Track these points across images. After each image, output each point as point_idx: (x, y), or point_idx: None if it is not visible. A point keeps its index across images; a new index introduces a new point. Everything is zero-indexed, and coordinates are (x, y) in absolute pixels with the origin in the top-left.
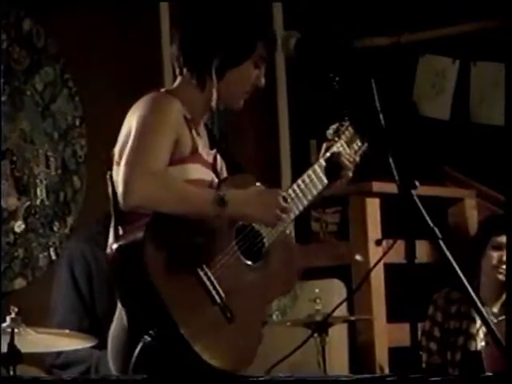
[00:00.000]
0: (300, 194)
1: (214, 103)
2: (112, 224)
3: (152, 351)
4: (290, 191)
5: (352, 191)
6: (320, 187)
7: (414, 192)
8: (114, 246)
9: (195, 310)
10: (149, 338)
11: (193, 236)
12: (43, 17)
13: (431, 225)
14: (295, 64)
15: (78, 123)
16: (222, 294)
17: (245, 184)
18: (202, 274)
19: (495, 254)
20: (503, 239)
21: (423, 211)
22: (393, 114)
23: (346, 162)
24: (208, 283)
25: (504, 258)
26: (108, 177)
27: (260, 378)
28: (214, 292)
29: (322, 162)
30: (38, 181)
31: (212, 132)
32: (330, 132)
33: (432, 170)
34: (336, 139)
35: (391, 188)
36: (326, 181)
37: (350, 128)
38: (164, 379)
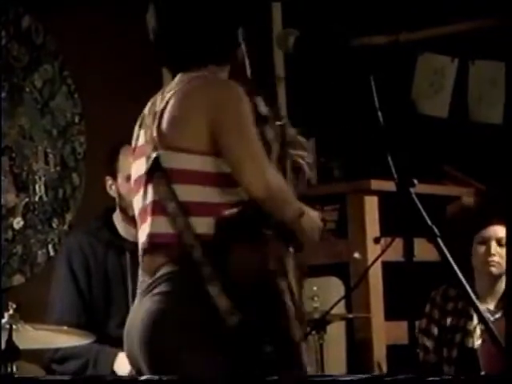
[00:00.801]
0: None
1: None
2: (161, 214)
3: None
4: None
5: (350, 189)
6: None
7: (412, 190)
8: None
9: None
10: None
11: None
12: (42, 14)
13: (429, 223)
14: (294, 62)
15: (77, 120)
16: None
17: None
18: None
19: (482, 249)
20: (486, 233)
21: (421, 209)
22: (391, 113)
23: (297, 161)
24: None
25: (492, 250)
26: (152, 160)
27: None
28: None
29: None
30: (36, 177)
31: None
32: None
33: (430, 168)
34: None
35: (389, 186)
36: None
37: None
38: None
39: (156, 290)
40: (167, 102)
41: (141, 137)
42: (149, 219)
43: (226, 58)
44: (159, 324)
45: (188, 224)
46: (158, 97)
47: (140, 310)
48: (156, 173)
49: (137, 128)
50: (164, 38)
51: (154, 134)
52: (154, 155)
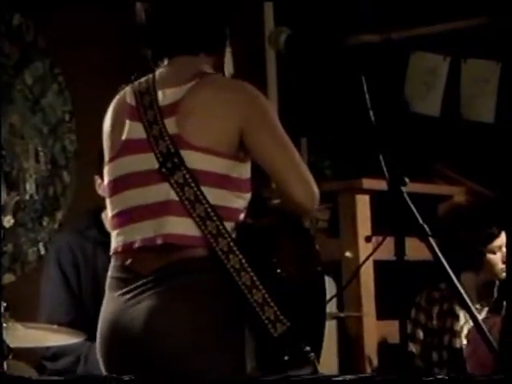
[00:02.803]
0: None
1: (230, 70)
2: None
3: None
4: None
5: (342, 188)
6: None
7: (403, 189)
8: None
9: None
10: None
11: None
12: (33, 12)
13: (421, 222)
14: (285, 61)
15: (67, 118)
16: None
17: None
18: None
19: (495, 257)
20: (499, 241)
21: (413, 208)
22: (383, 111)
23: None
24: None
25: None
26: (174, 158)
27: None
28: None
29: None
30: (27, 175)
31: None
32: None
33: (422, 167)
34: None
35: (381, 185)
36: None
37: None
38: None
39: (162, 288)
40: (185, 97)
41: (135, 130)
42: (165, 218)
43: (216, 46)
44: (173, 321)
45: (223, 229)
46: (148, 87)
47: (140, 306)
48: (178, 172)
49: (120, 118)
50: (159, 18)
51: (171, 131)
52: (173, 153)
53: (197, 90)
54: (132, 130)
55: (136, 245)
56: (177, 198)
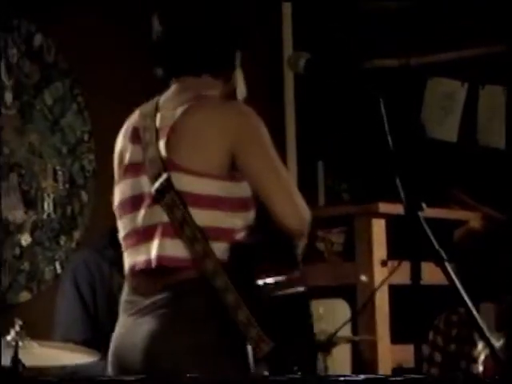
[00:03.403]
0: None
1: (243, 94)
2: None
3: None
4: None
5: (358, 211)
6: None
7: (420, 214)
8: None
9: None
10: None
11: None
12: (54, 32)
13: (437, 246)
14: (304, 84)
15: (86, 138)
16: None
17: None
18: None
19: None
20: None
21: (429, 233)
22: (401, 136)
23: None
24: None
25: None
26: (164, 180)
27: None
28: None
29: None
30: (45, 195)
31: None
32: None
33: (439, 192)
34: None
35: (397, 209)
36: None
37: None
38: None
39: (161, 311)
40: (177, 120)
41: (137, 153)
42: (157, 241)
43: (221, 69)
44: (173, 344)
45: (209, 250)
46: (152, 109)
47: (140, 330)
48: (167, 194)
49: (125, 142)
50: (166, 40)
51: (163, 153)
52: (165, 176)
53: (190, 113)
54: (132, 152)
55: (137, 267)
56: (167, 220)
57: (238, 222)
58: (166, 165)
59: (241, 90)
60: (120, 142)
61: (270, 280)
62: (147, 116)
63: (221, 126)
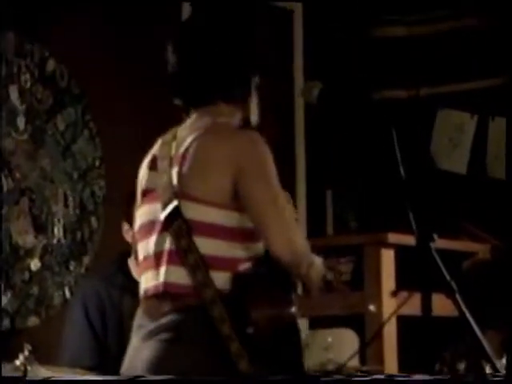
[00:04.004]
0: None
1: (255, 119)
2: (177, 264)
3: None
4: None
5: (367, 241)
6: None
7: (432, 245)
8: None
9: None
10: None
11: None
12: (67, 58)
13: (448, 278)
14: (315, 114)
15: (97, 164)
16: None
17: None
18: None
19: None
20: None
21: (440, 264)
22: (410, 167)
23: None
24: None
25: None
26: (172, 208)
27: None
28: None
29: None
30: (55, 220)
31: None
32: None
33: (448, 223)
34: None
35: (406, 239)
36: None
37: None
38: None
39: (162, 337)
40: (188, 148)
41: (153, 180)
42: (164, 267)
43: (236, 97)
44: (168, 369)
45: (209, 279)
46: (171, 138)
47: (142, 353)
48: (175, 222)
49: (146, 170)
50: (179, 71)
51: (174, 181)
52: (174, 203)
53: (199, 141)
54: (149, 179)
55: (149, 293)
56: (174, 248)
57: (242, 252)
58: (176, 192)
59: (254, 116)
60: (142, 169)
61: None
62: (165, 144)
63: (225, 154)
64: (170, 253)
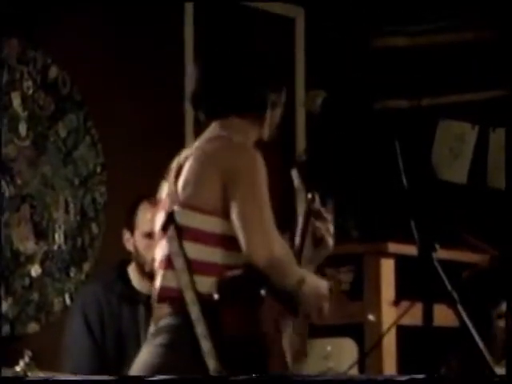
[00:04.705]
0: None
1: (266, 136)
2: (171, 269)
3: None
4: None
5: (367, 250)
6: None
7: (433, 255)
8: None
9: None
10: None
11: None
12: (69, 65)
13: (449, 288)
14: (316, 123)
15: (98, 170)
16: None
17: None
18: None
19: (502, 323)
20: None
21: (442, 275)
22: (411, 177)
23: (322, 234)
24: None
25: None
26: (166, 217)
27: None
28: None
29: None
30: (56, 226)
31: None
32: (295, 181)
33: (448, 233)
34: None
35: (406, 249)
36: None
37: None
38: None
39: (155, 341)
40: (187, 158)
41: (164, 190)
42: (161, 272)
43: (246, 111)
44: (152, 369)
45: (191, 281)
46: (187, 149)
47: (140, 357)
48: (170, 228)
49: (163, 180)
50: (199, 87)
51: (173, 189)
52: (170, 210)
53: (196, 151)
54: (162, 189)
55: (153, 297)
56: (168, 253)
57: (229, 259)
58: (174, 200)
59: (266, 131)
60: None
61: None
62: (178, 155)
63: (215, 164)
64: (166, 258)
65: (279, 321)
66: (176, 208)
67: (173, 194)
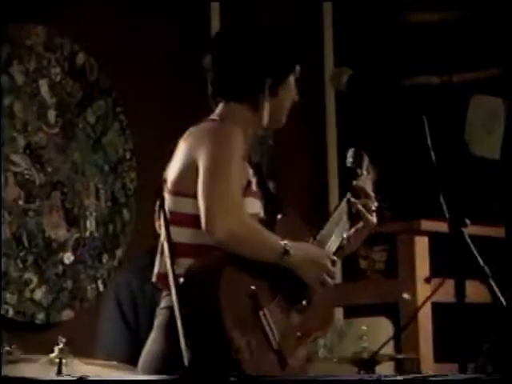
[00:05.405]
0: (329, 238)
1: (265, 121)
2: (163, 254)
3: None
4: (321, 235)
5: (400, 229)
6: (344, 231)
7: (464, 230)
8: (181, 280)
9: (255, 353)
10: None
11: (256, 278)
12: (96, 51)
13: (482, 263)
14: (345, 100)
15: (128, 156)
16: (278, 339)
17: (295, 228)
18: (262, 318)
19: None
20: None
21: (474, 250)
22: (444, 153)
23: (362, 211)
24: (267, 328)
25: None
26: (158, 206)
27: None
28: (271, 337)
29: (345, 204)
30: (87, 213)
31: (251, 158)
32: (349, 160)
33: (482, 209)
34: (358, 170)
35: (440, 226)
36: (347, 225)
37: (365, 157)
38: None
39: (154, 325)
40: (177, 143)
41: None
42: (157, 258)
43: (241, 97)
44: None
45: (172, 265)
46: None
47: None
48: (161, 214)
49: None
50: (211, 76)
51: (165, 175)
52: (159, 198)
53: (184, 137)
54: None
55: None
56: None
57: (209, 239)
58: (165, 185)
59: (265, 118)
60: None
61: None
62: None
63: (190, 144)
64: (160, 244)
65: (258, 298)
66: (165, 194)
67: (165, 179)
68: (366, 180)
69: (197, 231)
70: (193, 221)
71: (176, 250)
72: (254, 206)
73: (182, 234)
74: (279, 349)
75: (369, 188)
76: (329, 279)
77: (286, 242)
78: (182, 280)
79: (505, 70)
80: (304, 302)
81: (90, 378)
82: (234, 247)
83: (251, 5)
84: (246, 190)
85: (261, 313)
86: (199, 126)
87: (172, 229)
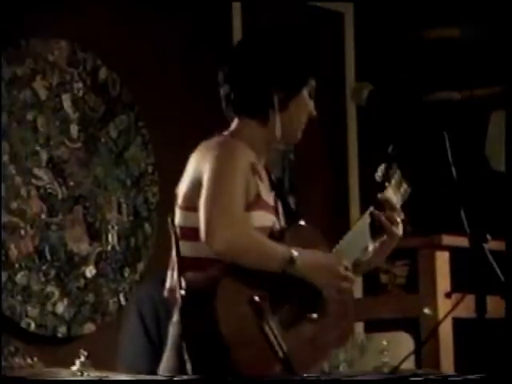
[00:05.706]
0: (347, 250)
1: (278, 136)
2: (174, 269)
3: None
4: (338, 246)
5: (422, 244)
6: (366, 244)
7: (485, 246)
8: (182, 293)
9: (258, 364)
10: None
11: (260, 288)
12: (119, 66)
13: (502, 279)
14: (367, 115)
15: (150, 170)
16: (285, 348)
17: (309, 239)
18: (266, 327)
19: None
20: None
21: (495, 265)
22: (465, 168)
23: (386, 224)
24: (272, 337)
25: None
26: (169, 221)
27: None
28: (276, 346)
29: (367, 217)
30: (109, 227)
31: (270, 173)
32: (378, 174)
33: (502, 224)
34: (386, 184)
35: (461, 241)
36: (369, 237)
37: (397, 171)
38: None
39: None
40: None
41: None
42: (168, 273)
43: (250, 112)
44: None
45: (179, 280)
46: None
47: None
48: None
49: None
50: (223, 91)
51: (177, 191)
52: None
53: (194, 152)
54: None
55: None
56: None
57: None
58: (176, 200)
59: (278, 131)
60: None
61: None
62: None
63: (198, 160)
64: (171, 260)
65: (261, 307)
66: (176, 209)
67: (176, 194)
68: (392, 193)
69: (197, 244)
70: (195, 234)
71: (185, 264)
72: (264, 219)
73: (192, 249)
74: (285, 357)
75: (395, 200)
76: (344, 284)
77: (293, 250)
78: (183, 292)
79: None
80: (314, 313)
81: (90, 378)
82: (234, 258)
83: (272, 5)
84: (255, 204)
85: (263, 322)
86: (207, 142)
87: (182, 243)
